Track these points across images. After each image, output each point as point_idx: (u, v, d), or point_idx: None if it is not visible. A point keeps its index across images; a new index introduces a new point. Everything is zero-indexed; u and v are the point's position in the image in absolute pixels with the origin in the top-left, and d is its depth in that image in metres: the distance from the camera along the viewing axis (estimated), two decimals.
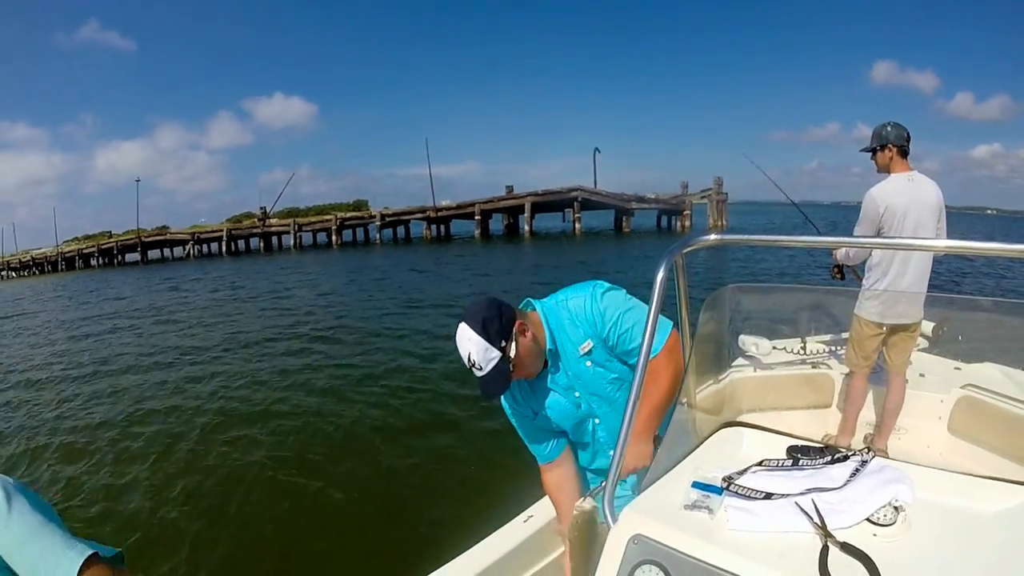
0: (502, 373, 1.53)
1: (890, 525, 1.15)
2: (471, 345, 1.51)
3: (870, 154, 3.11)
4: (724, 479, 1.30)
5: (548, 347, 1.65)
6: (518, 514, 2.21)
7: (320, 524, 4.28)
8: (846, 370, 3.01)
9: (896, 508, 1.18)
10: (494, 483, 4.19)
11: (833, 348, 3.13)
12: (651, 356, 1.47)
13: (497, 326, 1.52)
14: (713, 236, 1.65)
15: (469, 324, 1.52)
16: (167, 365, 9.49)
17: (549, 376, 1.72)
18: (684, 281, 1.68)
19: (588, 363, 1.68)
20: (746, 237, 1.85)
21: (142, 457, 5.73)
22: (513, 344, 1.54)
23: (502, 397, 1.73)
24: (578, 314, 1.67)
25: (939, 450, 2.72)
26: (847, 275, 3.32)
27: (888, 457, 1.40)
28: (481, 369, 1.52)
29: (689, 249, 1.60)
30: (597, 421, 1.76)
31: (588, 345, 1.66)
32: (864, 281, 3.12)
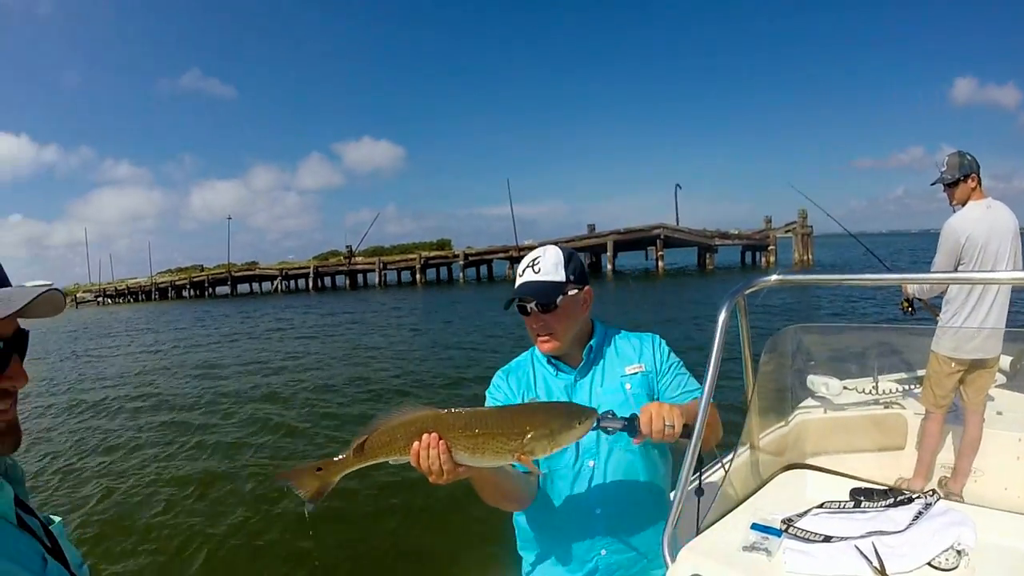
0: (549, 292, 1.45)
1: (952, 570, 1.17)
2: (547, 254, 1.50)
3: (943, 187, 2.99)
4: (783, 521, 1.35)
5: (591, 343, 1.54)
6: None
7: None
8: (920, 410, 2.85)
9: (959, 552, 1.20)
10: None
11: (907, 387, 2.96)
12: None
13: (577, 266, 1.52)
14: (774, 277, 1.71)
15: (560, 247, 1.54)
16: None
17: (568, 380, 1.53)
18: (746, 322, 1.75)
19: (628, 385, 1.50)
20: (809, 277, 1.91)
21: None
22: (575, 290, 1.48)
23: (497, 376, 1.62)
24: (639, 341, 1.59)
25: (1018, 492, 2.52)
26: (918, 309, 3.20)
27: (963, 501, 1.38)
28: (537, 273, 1.47)
29: (751, 290, 1.67)
30: (591, 464, 1.45)
31: (638, 368, 1.52)
32: (941, 316, 2.97)
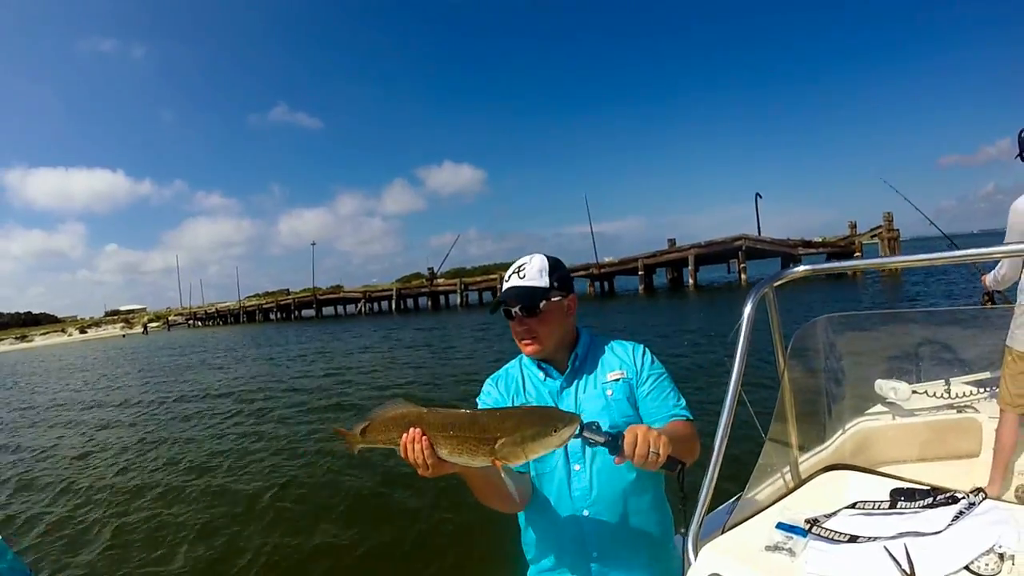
0: (534, 296, 1.49)
1: (993, 575, 1.09)
2: (532, 261, 1.54)
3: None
4: (807, 521, 1.31)
5: (576, 350, 1.56)
6: None
7: None
8: (996, 412, 2.52)
9: (1002, 556, 1.12)
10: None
11: (983, 388, 2.69)
12: (678, 419, 1.46)
13: (562, 274, 1.55)
14: (802, 268, 1.65)
15: (545, 255, 1.58)
16: None
17: (555, 386, 1.55)
18: (777, 316, 1.68)
19: (609, 391, 1.51)
20: (842, 264, 1.82)
21: None
22: (558, 296, 1.52)
23: (487, 383, 1.66)
24: (622, 349, 1.60)
25: None
26: (998, 302, 2.88)
27: None
28: (522, 279, 1.51)
29: (780, 282, 1.62)
30: (577, 468, 1.47)
31: (619, 375, 1.53)
32: (1016, 308, 2.62)
